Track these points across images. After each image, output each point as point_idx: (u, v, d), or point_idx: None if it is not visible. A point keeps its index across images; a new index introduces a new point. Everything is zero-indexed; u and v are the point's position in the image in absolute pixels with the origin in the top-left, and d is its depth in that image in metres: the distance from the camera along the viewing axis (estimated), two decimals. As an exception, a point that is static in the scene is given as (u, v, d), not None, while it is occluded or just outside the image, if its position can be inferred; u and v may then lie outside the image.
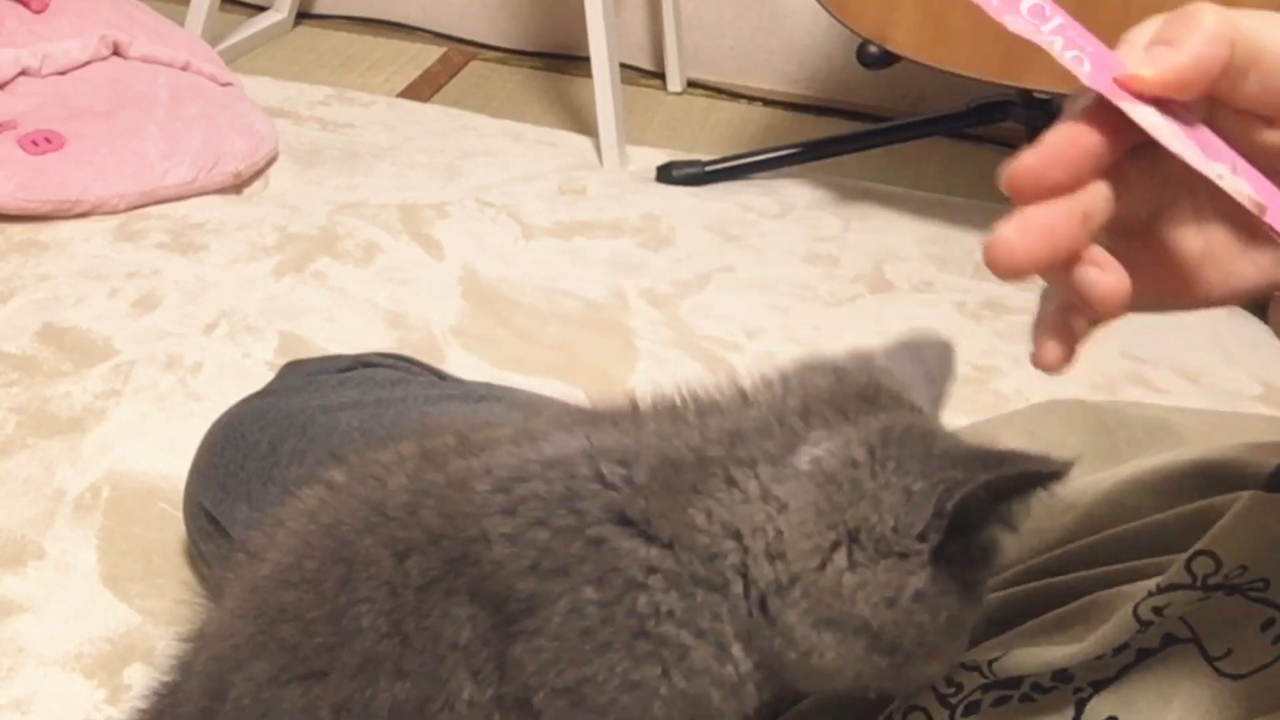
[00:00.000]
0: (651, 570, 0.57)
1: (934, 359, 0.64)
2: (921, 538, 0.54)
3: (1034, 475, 0.53)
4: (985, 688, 0.62)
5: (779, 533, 0.56)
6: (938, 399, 0.63)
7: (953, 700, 0.63)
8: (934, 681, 0.59)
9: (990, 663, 0.61)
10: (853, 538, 0.55)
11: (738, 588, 0.57)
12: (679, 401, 0.61)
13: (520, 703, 0.59)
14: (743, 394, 0.61)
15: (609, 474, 0.58)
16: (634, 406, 0.62)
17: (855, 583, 0.56)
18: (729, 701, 0.59)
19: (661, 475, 0.58)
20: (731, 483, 0.57)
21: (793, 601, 0.57)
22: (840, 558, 0.56)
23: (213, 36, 2.16)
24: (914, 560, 0.55)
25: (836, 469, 0.56)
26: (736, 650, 0.58)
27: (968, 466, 0.54)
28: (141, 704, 0.72)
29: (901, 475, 0.55)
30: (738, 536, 0.57)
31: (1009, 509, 0.55)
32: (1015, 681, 0.61)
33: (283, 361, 1.23)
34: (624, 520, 0.57)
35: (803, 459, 0.57)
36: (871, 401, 0.59)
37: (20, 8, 1.93)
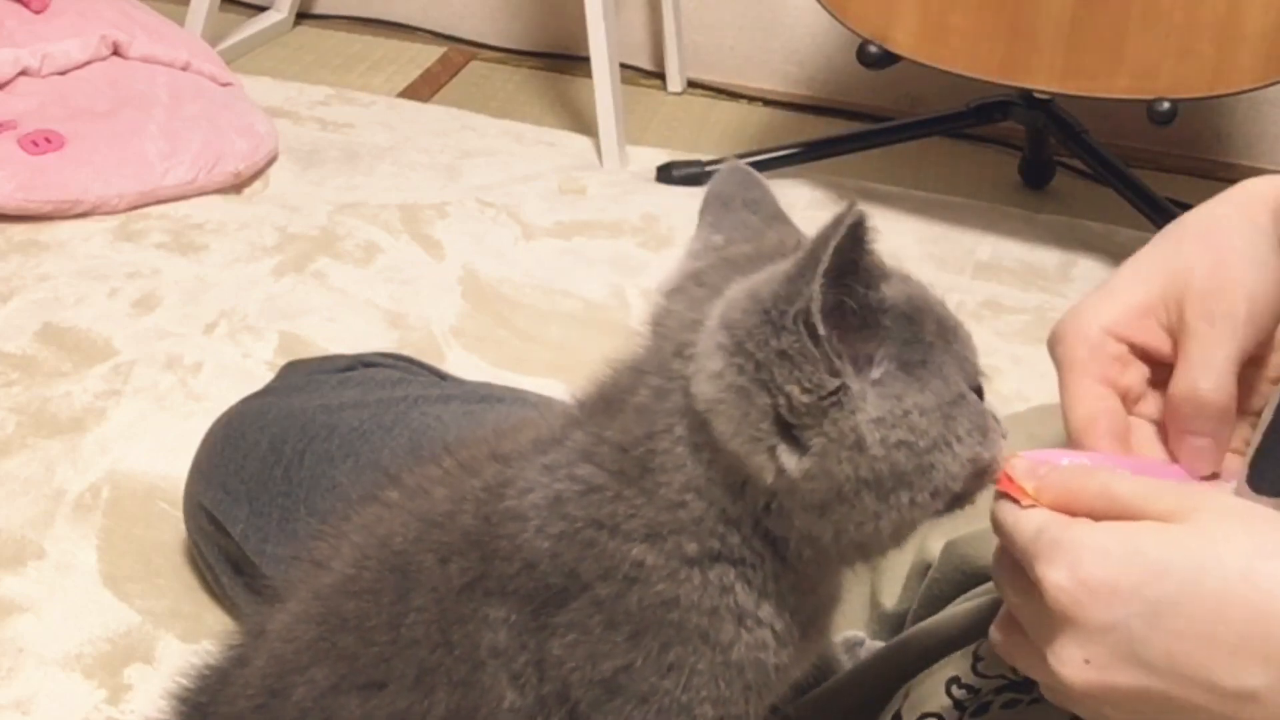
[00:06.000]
0: (639, 565, 0.59)
1: (740, 192, 0.66)
2: (834, 372, 0.55)
3: (841, 244, 0.53)
4: (999, 689, 0.62)
5: (729, 469, 0.57)
6: (762, 215, 0.65)
7: (966, 704, 0.63)
8: (969, 468, 0.59)
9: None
10: (783, 426, 0.56)
11: (734, 539, 0.59)
12: (605, 389, 0.63)
13: (562, 698, 0.60)
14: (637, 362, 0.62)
15: (582, 474, 0.60)
16: (596, 396, 0.63)
17: (817, 463, 0.56)
18: (779, 656, 0.61)
19: (619, 466, 0.59)
20: (667, 452, 0.58)
21: (785, 515, 0.58)
22: (785, 455, 0.56)
23: (213, 36, 2.16)
24: (847, 398, 0.55)
25: (718, 393, 0.57)
26: (765, 610, 0.60)
27: (797, 290, 0.54)
28: (184, 680, 0.72)
29: (765, 347, 0.55)
30: (700, 494, 0.58)
31: (856, 272, 0.55)
32: (1030, 684, 0.61)
33: (283, 361, 1.23)
34: (601, 525, 0.59)
35: (698, 403, 0.57)
36: (715, 291, 0.60)
37: (20, 8, 1.93)
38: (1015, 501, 0.56)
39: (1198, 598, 0.50)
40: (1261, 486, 0.57)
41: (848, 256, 0.54)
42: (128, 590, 1.18)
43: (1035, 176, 2.03)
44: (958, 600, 0.74)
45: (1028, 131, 1.97)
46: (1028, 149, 2.02)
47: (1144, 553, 0.51)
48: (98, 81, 1.89)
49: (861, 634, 0.83)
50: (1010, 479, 0.57)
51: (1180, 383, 0.60)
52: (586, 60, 2.00)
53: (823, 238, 0.54)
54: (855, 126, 2.16)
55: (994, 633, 0.58)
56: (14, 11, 1.92)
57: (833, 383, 0.55)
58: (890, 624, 0.84)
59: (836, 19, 1.77)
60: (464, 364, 1.51)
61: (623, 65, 2.07)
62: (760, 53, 2.31)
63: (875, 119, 2.19)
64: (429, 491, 0.66)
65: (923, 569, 0.81)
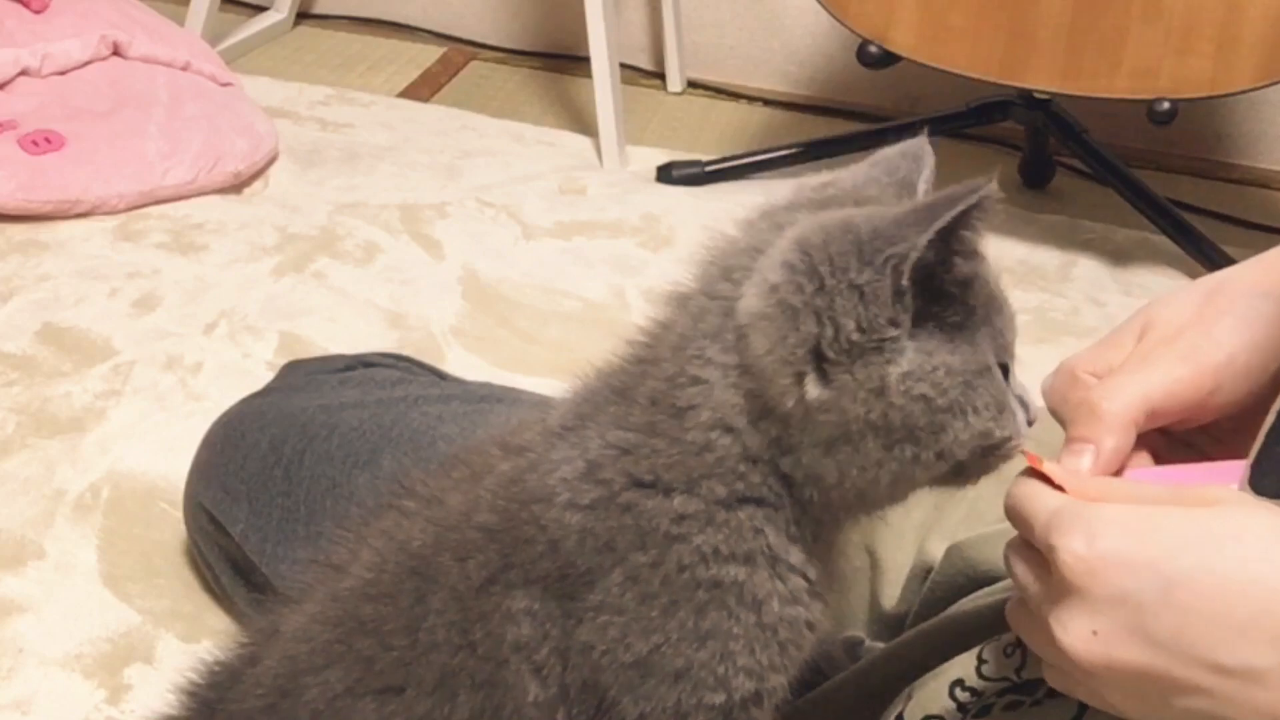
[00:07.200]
0: (680, 518, 0.59)
1: (901, 159, 0.65)
2: (894, 323, 0.56)
3: (965, 210, 0.55)
4: (1002, 692, 0.63)
5: (751, 394, 0.58)
6: (905, 185, 0.64)
7: (969, 706, 0.64)
8: (978, 441, 0.59)
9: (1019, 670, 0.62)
10: (819, 358, 0.56)
11: (755, 478, 0.59)
12: (637, 346, 0.63)
13: (589, 685, 0.60)
14: (681, 294, 0.63)
15: (614, 439, 0.61)
16: (627, 364, 0.64)
17: (834, 397, 0.57)
18: (811, 609, 0.61)
19: (648, 419, 0.60)
20: (696, 381, 0.59)
21: (794, 451, 0.59)
22: (811, 383, 0.57)
23: (213, 36, 2.16)
24: (890, 347, 0.56)
25: (766, 307, 0.57)
26: (795, 555, 0.60)
27: (902, 234, 0.55)
28: (192, 674, 0.72)
29: (840, 275, 0.56)
30: (726, 427, 0.59)
31: (960, 242, 0.56)
32: (1033, 686, 0.62)
33: (283, 361, 1.23)
34: (640, 483, 0.60)
35: (740, 314, 0.58)
36: (778, 225, 0.60)
37: (20, 8, 1.93)
38: (1045, 481, 0.57)
39: (1211, 574, 0.50)
40: (1262, 487, 0.57)
41: (963, 225, 0.55)
42: (128, 590, 1.18)
43: (1035, 176, 2.03)
44: (960, 603, 0.74)
45: (1027, 131, 1.97)
46: (1028, 149, 2.02)
47: (1162, 529, 0.52)
48: (98, 81, 1.89)
49: (861, 634, 0.83)
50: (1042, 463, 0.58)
51: (1087, 393, 0.61)
52: (586, 60, 2.00)
53: (951, 198, 0.54)
54: (855, 126, 2.16)
55: (1008, 609, 0.59)
56: (14, 11, 1.92)
57: (890, 331, 0.56)
58: (890, 625, 0.84)
59: (836, 19, 1.77)
60: (464, 364, 1.51)
61: (623, 65, 2.07)
62: (760, 53, 2.31)
63: (875, 119, 2.19)
64: (443, 500, 0.66)
65: (924, 572, 0.81)
